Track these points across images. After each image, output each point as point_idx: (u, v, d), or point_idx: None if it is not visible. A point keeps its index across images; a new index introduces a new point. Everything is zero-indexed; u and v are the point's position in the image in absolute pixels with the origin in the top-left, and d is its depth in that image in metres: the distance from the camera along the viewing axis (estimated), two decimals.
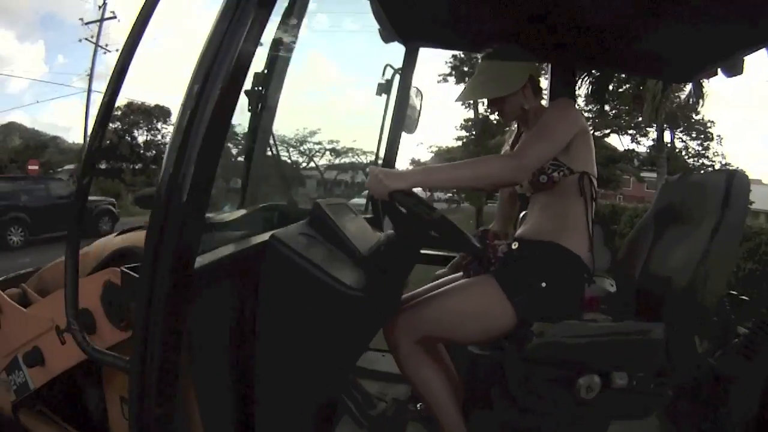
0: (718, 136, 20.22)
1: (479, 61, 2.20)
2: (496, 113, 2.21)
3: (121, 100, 32.52)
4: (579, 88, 16.40)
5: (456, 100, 2.22)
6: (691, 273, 1.93)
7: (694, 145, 18.42)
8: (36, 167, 24.51)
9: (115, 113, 32.81)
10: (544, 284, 1.92)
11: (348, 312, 1.51)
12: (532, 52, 2.17)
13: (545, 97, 2.34)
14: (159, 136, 36.69)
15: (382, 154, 3.10)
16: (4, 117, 37.56)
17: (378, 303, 1.71)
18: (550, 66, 2.87)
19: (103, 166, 32.12)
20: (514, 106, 2.12)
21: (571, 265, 2.00)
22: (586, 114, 17.62)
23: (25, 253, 13.07)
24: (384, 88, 2.98)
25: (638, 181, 24.87)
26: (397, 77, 2.98)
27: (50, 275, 1.98)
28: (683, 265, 1.99)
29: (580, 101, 17.14)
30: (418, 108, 3.06)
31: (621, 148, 19.88)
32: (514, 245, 2.05)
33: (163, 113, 36.20)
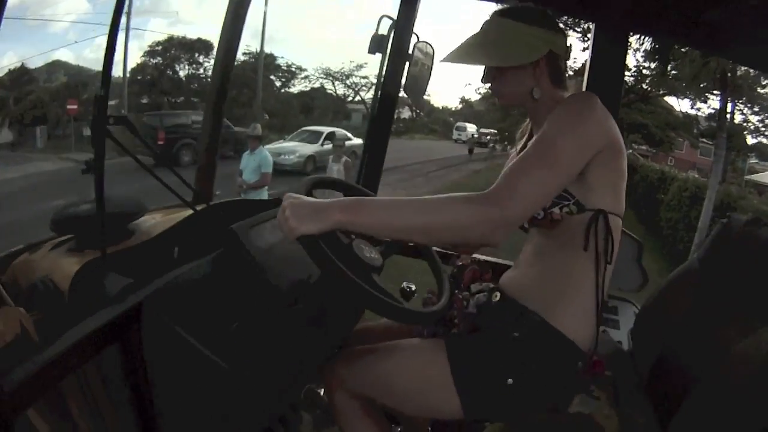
0: None
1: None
2: (495, 94, 1.66)
3: (161, 36, 33.63)
4: (640, 44, 15.06)
5: (441, 61, 1.64)
6: (745, 377, 1.29)
7: (754, 119, 17.05)
8: (75, 107, 24.97)
9: (156, 48, 33.43)
10: (510, 381, 1.44)
11: (235, 396, 1.36)
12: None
13: (569, 87, 1.64)
14: (201, 70, 36.64)
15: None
16: (49, 56, 37.75)
17: (278, 380, 1.52)
18: (593, 26, 2.18)
19: (144, 100, 32.53)
20: (519, 86, 1.56)
21: (559, 354, 1.47)
22: (644, 72, 16.38)
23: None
24: (378, 45, 2.38)
25: (692, 146, 23.74)
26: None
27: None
28: (737, 360, 1.34)
29: (638, 56, 15.75)
30: (428, 69, 2.43)
31: (678, 109, 18.79)
32: (495, 296, 1.60)
33: (205, 47, 35.98)
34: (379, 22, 2.36)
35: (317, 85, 43.51)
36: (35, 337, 1.35)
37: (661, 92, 16.98)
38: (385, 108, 2.52)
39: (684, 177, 13.54)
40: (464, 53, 1.57)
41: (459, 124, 49.39)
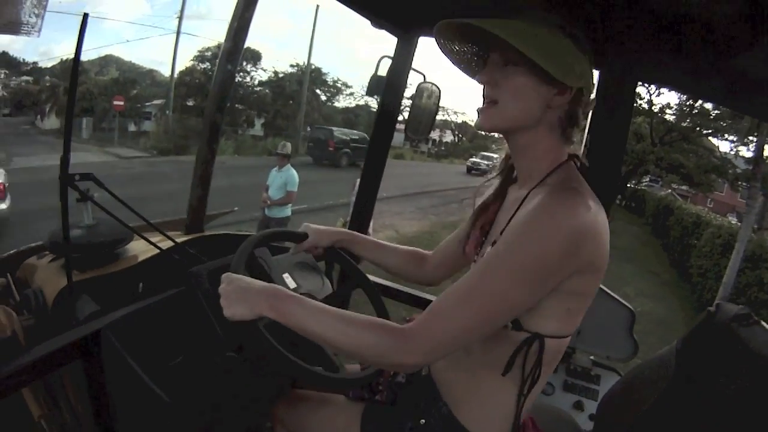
0: None
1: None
2: (481, 112, 1.32)
3: (211, 42, 34.49)
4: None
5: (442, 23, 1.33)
6: None
7: None
8: (121, 103, 25.76)
9: (205, 54, 34.17)
10: None
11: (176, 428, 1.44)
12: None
13: (575, 143, 1.37)
14: (248, 78, 37.15)
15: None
16: (102, 51, 38.93)
17: (220, 418, 1.56)
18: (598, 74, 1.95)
19: (190, 103, 33.19)
20: (528, 106, 1.27)
21: None
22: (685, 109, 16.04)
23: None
24: (376, 86, 2.38)
25: (732, 188, 23.20)
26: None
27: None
28: None
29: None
30: (432, 110, 2.38)
31: (721, 149, 18.36)
32: (425, 370, 1.53)
33: (253, 56, 36.55)
34: (378, 62, 2.35)
35: (362, 102, 44.08)
36: (22, 341, 1.57)
37: (704, 132, 16.67)
38: (377, 148, 2.50)
39: (718, 223, 13.12)
40: (503, 30, 1.21)
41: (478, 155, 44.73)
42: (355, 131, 29.43)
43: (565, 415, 1.93)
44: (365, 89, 2.35)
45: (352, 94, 45.76)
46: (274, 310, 1.20)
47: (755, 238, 10.28)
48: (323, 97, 43.12)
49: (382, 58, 2.34)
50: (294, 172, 7.89)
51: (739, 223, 12.37)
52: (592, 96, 1.34)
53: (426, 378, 1.52)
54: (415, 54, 2.35)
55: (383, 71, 2.35)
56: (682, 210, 17.26)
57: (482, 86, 1.32)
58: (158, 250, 1.95)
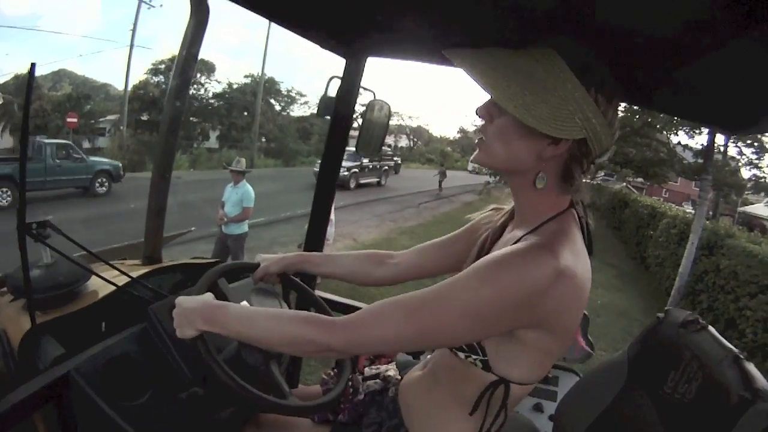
0: None
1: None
2: (477, 145, 1.29)
3: (165, 54, 34.04)
4: None
5: (445, 52, 1.23)
6: None
7: (749, 152, 17.01)
8: (75, 120, 25.33)
9: (159, 67, 33.72)
10: None
11: None
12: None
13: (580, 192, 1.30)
14: (201, 90, 36.82)
15: None
16: (55, 66, 38.21)
17: None
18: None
19: (145, 117, 32.76)
20: (521, 155, 1.22)
21: None
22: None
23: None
24: (326, 106, 2.37)
25: (686, 178, 23.73)
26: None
27: None
28: None
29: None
30: (383, 127, 2.38)
31: (674, 142, 18.69)
32: (391, 392, 1.55)
33: (207, 68, 36.23)
34: (328, 83, 2.34)
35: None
36: None
37: (658, 126, 17.00)
38: (328, 166, 2.50)
39: (673, 214, 13.41)
40: (483, 67, 1.17)
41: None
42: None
43: (524, 419, 1.96)
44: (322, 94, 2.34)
45: (306, 103, 45.68)
46: (207, 322, 1.26)
47: (710, 226, 10.50)
48: (278, 107, 42.92)
49: (332, 78, 2.33)
50: (249, 187, 7.80)
51: (693, 211, 12.66)
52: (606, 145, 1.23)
53: (392, 400, 1.52)
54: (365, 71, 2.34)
55: (333, 91, 2.33)
56: (637, 202, 17.57)
57: None
58: (110, 288, 1.93)
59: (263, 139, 34.74)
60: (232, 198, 7.70)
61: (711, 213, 12.35)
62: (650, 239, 14.02)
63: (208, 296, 1.36)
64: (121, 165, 19.66)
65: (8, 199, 14.52)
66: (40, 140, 16.85)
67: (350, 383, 1.61)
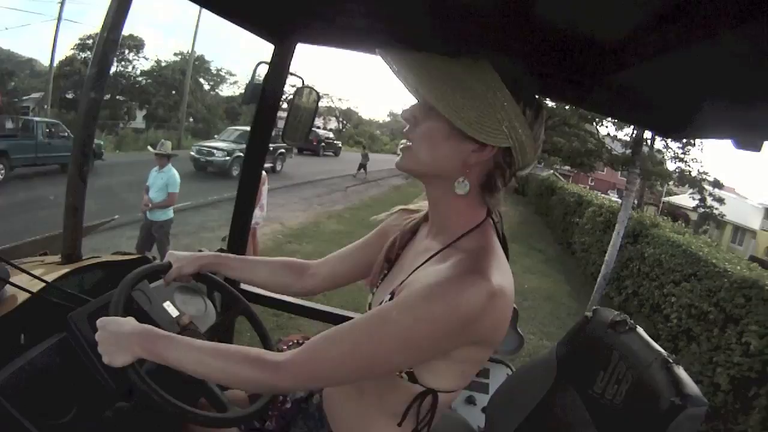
0: (700, 141, 19.27)
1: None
2: (402, 147, 1.26)
3: (94, 29, 32.79)
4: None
5: (378, 53, 1.20)
6: None
7: (674, 146, 17.61)
8: None
9: (87, 42, 32.44)
10: None
11: None
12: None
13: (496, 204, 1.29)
14: (129, 68, 35.72)
15: None
16: None
17: None
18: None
19: (70, 95, 31.46)
20: (445, 159, 1.19)
21: None
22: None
23: None
24: (252, 94, 2.28)
25: (613, 168, 24.49)
26: None
27: None
28: None
29: None
30: (310, 114, 2.31)
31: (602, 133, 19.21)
32: (316, 399, 1.55)
33: (135, 44, 35.12)
34: (255, 68, 2.26)
35: None
36: None
37: (588, 116, 17.37)
38: (253, 156, 2.41)
39: (599, 202, 13.87)
40: (416, 68, 1.16)
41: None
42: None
43: (457, 417, 1.98)
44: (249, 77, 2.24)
45: (236, 83, 44.89)
46: (146, 351, 1.22)
47: (635, 216, 10.87)
48: (206, 87, 42.04)
49: (259, 64, 2.26)
50: (174, 172, 7.48)
51: (619, 200, 13.03)
52: (529, 157, 1.22)
53: (317, 408, 1.51)
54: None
55: (261, 77, 2.24)
56: (564, 190, 18.15)
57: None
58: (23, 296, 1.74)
59: (191, 119, 33.97)
60: (156, 183, 7.35)
61: (636, 202, 12.82)
62: (576, 226, 14.48)
63: (135, 323, 1.30)
64: (102, 143, 20.51)
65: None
66: (32, 119, 17.50)
67: None
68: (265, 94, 2.25)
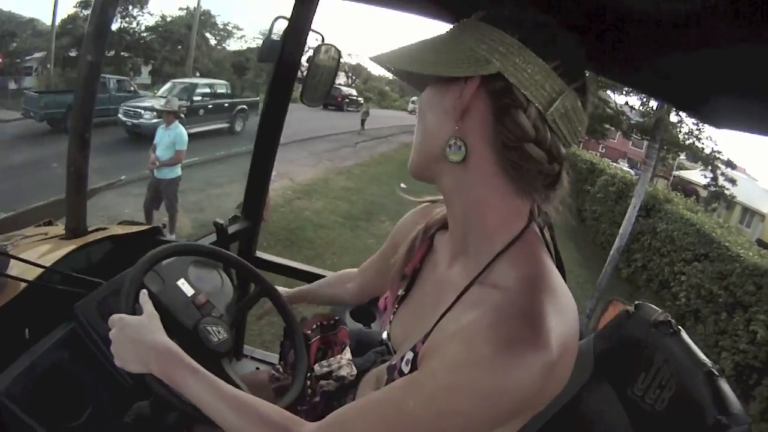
0: None
1: None
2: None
3: None
4: None
5: (371, 58, 1.01)
6: None
7: (689, 122, 17.40)
8: None
9: (88, 0, 31.82)
10: None
11: None
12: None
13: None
14: (134, 24, 35.29)
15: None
16: None
17: None
18: None
19: (73, 54, 31.12)
20: (432, 124, 0.94)
21: None
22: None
23: None
24: (269, 51, 2.16)
25: (624, 136, 24.25)
26: None
27: None
28: None
29: None
30: (331, 73, 2.15)
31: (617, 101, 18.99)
32: (350, 396, 1.42)
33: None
34: (272, 24, 2.10)
35: (254, 45, 42.85)
36: None
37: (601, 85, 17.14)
38: (271, 119, 2.25)
39: (612, 172, 13.78)
40: (397, 54, 0.98)
41: (414, 98, 52.96)
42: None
43: None
44: (259, 33, 2.07)
45: (243, 37, 44.25)
46: (164, 376, 1.08)
47: (648, 189, 10.76)
48: (213, 42, 41.51)
49: (277, 19, 2.08)
50: (182, 129, 7.35)
51: (630, 170, 12.86)
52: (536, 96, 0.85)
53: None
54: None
55: (278, 34, 2.08)
56: (575, 156, 17.87)
57: None
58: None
59: (197, 74, 33.59)
60: (163, 140, 7.23)
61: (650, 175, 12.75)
62: (588, 194, 14.36)
63: (157, 335, 1.15)
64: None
65: None
66: (105, 76, 17.45)
67: (308, 383, 1.48)
68: (284, 50, 2.09)
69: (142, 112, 15.97)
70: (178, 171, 7.43)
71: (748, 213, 31.84)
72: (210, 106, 18.30)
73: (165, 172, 7.26)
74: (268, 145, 2.27)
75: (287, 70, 2.13)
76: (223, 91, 18.63)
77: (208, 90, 18.41)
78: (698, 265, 8.54)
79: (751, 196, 28.86)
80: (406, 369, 0.98)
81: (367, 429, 0.88)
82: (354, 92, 43.03)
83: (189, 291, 1.47)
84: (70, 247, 1.72)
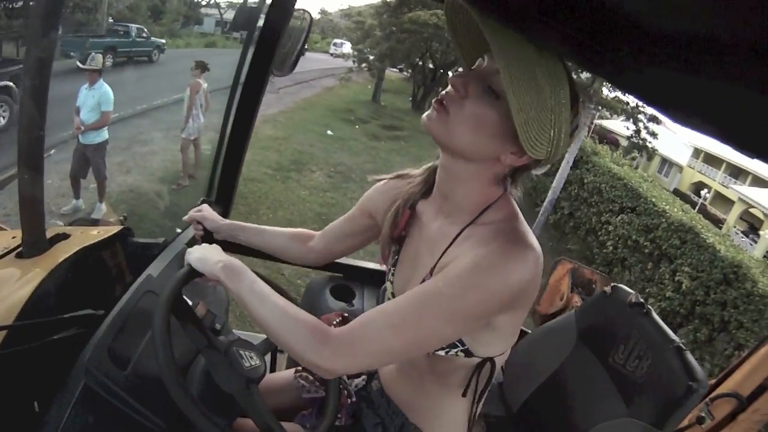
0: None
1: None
2: (443, 98, 1.15)
3: None
4: None
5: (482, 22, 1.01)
6: None
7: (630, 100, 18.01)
8: None
9: None
10: None
11: None
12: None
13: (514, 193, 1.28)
14: None
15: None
16: None
17: None
18: None
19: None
20: (476, 143, 1.13)
21: None
22: None
23: None
24: (246, 20, 1.98)
25: None
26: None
27: None
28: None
29: None
30: (301, 41, 2.03)
31: None
32: (375, 385, 1.55)
33: None
34: None
35: None
36: None
37: None
38: (248, 97, 2.10)
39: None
40: (516, 57, 1.00)
41: (337, 40, 53.30)
42: None
43: None
44: None
45: None
46: (224, 276, 1.22)
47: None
48: None
49: None
50: (107, 88, 6.70)
51: None
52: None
53: (380, 394, 1.52)
54: None
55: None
56: None
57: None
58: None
59: (110, 20, 32.10)
60: (88, 102, 6.63)
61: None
62: None
63: (222, 253, 1.32)
64: (165, 41, 22.97)
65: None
66: (128, 25, 21.13)
67: (342, 387, 1.56)
68: (268, 18, 1.92)
69: None
70: (105, 134, 6.86)
71: (667, 164, 33.92)
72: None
73: (91, 136, 6.69)
74: (244, 123, 2.12)
75: (267, 39, 1.97)
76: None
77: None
78: (625, 217, 9.12)
79: (670, 147, 30.70)
80: None
81: (400, 318, 1.10)
82: None
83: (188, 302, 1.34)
84: (37, 274, 1.43)
